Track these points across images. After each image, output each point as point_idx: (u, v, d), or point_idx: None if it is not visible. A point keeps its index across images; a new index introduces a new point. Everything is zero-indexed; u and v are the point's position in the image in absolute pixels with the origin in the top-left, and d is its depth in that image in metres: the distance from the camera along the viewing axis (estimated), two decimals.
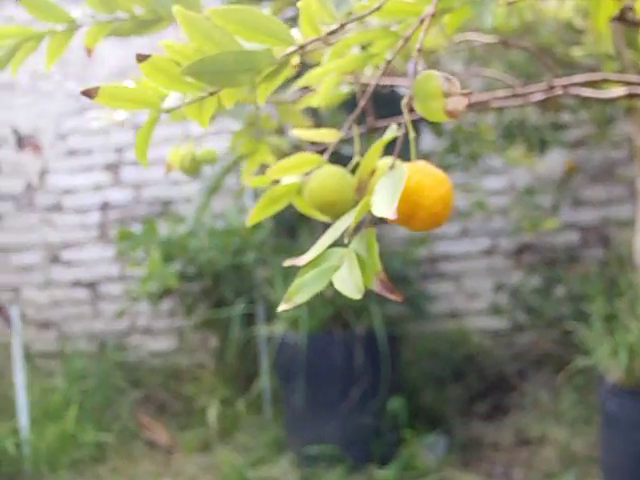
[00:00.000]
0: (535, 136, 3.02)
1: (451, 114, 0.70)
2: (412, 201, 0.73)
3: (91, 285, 4.27)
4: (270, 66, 0.69)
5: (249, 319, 3.51)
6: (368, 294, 2.22)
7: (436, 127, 3.05)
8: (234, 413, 3.50)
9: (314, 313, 3.06)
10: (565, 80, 1.15)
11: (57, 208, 4.30)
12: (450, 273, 3.94)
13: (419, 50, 0.72)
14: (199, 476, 3.10)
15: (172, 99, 0.69)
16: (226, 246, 3.57)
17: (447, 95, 0.70)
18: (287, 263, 0.74)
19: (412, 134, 0.76)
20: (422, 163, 0.77)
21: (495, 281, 3.82)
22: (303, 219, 3.38)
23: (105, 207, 4.27)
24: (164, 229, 3.75)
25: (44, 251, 4.31)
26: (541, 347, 3.64)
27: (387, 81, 1.31)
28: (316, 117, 2.91)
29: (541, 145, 3.04)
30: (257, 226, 3.61)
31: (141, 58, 0.62)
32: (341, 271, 0.69)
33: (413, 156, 0.77)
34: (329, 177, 0.88)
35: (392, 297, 0.68)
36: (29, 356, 3.73)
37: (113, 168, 4.26)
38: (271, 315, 3.39)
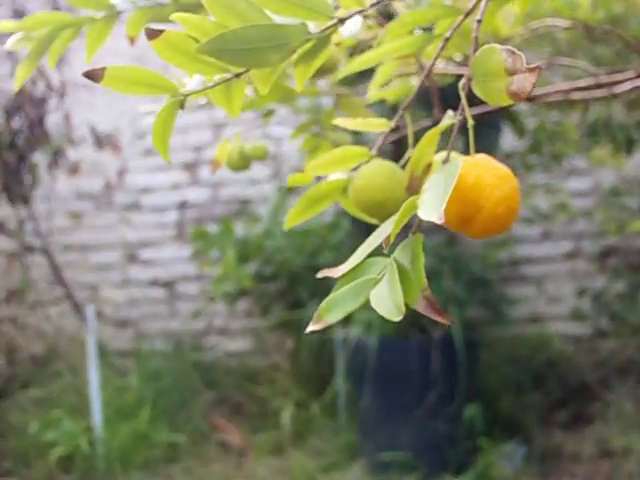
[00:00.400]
0: (622, 135, 2.89)
1: (516, 95, 0.59)
2: (470, 202, 0.64)
3: (168, 284, 4.27)
4: (305, 43, 0.60)
5: None
6: (447, 297, 2.12)
7: (517, 126, 2.95)
8: (308, 416, 3.45)
9: None
10: None
11: (135, 207, 4.31)
12: (531, 276, 3.82)
13: (479, 22, 0.63)
14: None
15: (193, 83, 0.62)
16: (303, 247, 3.53)
17: (511, 73, 0.59)
18: (321, 275, 0.66)
19: (470, 122, 0.66)
20: (483, 156, 0.67)
21: (578, 285, 3.68)
22: None
23: (183, 206, 4.27)
24: (241, 229, 3.72)
25: (122, 250, 4.32)
26: (625, 355, 3.50)
27: (464, 71, 1.21)
28: (394, 113, 2.85)
29: (628, 144, 2.91)
30: (334, 227, 3.57)
31: (152, 34, 0.54)
32: (379, 287, 0.60)
33: (472, 148, 0.67)
34: (377, 174, 0.77)
35: (439, 319, 0.59)
36: (105, 354, 3.74)
37: (191, 167, 4.26)
38: (347, 317, 3.32)
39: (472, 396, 2.98)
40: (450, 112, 0.69)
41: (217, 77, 0.61)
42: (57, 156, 3.55)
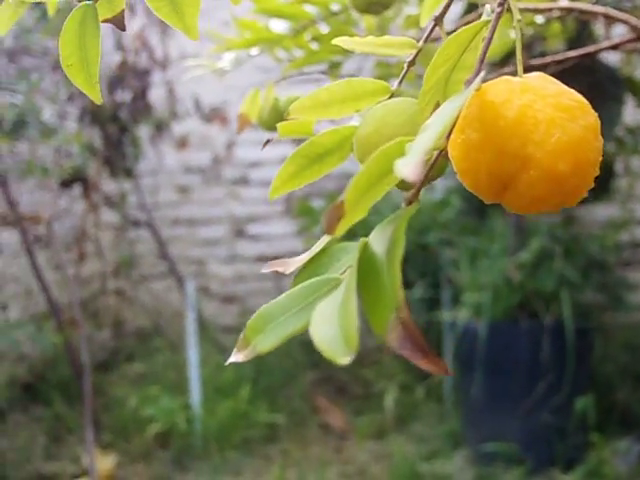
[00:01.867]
0: None
1: None
2: (510, 151, 0.41)
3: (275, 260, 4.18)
4: None
5: (434, 302, 3.32)
6: (559, 280, 1.89)
7: None
8: (412, 400, 3.32)
9: (500, 299, 2.83)
10: None
11: (243, 181, 4.24)
12: None
13: None
14: (369, 465, 2.94)
15: None
16: (410, 224, 3.38)
17: None
18: (267, 268, 0.46)
19: (517, 16, 0.45)
20: (538, 76, 0.44)
21: None
22: None
23: None
24: None
25: (229, 225, 4.27)
26: None
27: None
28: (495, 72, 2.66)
29: None
30: (444, 204, 3.42)
31: None
32: (329, 299, 0.38)
33: (519, 63, 0.45)
34: (391, 117, 0.52)
35: (422, 365, 0.38)
36: (208, 330, 3.69)
37: (300, 140, 4.15)
38: (456, 298, 3.17)
39: (585, 387, 2.80)
40: (487, 7, 0.46)
41: None
42: (161, 129, 3.50)
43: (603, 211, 3.42)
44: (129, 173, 3.48)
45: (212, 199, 4.28)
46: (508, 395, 2.81)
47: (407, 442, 3.05)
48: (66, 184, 3.38)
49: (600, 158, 0.43)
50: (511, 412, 2.78)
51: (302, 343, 3.79)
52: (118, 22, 0.52)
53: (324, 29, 1.09)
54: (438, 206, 3.45)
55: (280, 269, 0.46)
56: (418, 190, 0.43)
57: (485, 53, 0.44)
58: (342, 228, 0.40)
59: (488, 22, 0.46)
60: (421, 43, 0.55)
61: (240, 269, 4.25)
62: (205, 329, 3.60)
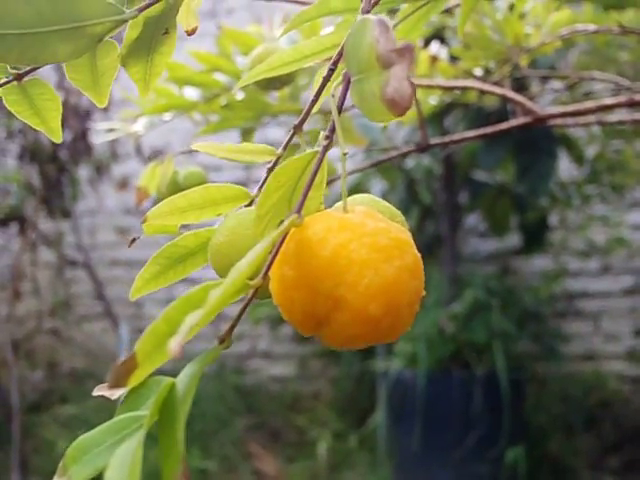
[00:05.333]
0: None
1: (394, 105, 0.36)
2: (323, 291, 0.41)
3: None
4: (115, 26, 0.41)
5: (368, 351, 3.32)
6: (493, 332, 1.92)
7: (575, 153, 2.78)
8: (345, 448, 3.31)
9: (433, 350, 2.84)
10: None
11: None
12: (588, 312, 3.63)
13: None
14: None
15: None
16: None
17: (386, 64, 0.36)
18: (96, 392, 0.44)
19: (344, 150, 0.43)
20: (361, 211, 0.44)
21: (637, 323, 3.50)
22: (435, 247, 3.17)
23: None
24: None
25: None
26: None
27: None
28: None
29: None
30: None
31: None
32: (126, 445, 0.36)
33: (344, 191, 0.44)
34: (244, 228, 0.52)
35: None
36: None
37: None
38: (390, 348, 3.18)
39: (517, 437, 2.81)
40: (322, 134, 0.44)
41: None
42: (100, 170, 3.48)
43: (538, 263, 3.48)
44: (66, 213, 3.46)
45: (151, 241, 4.22)
46: (440, 445, 2.81)
47: None
48: (3, 222, 3.34)
49: (421, 295, 0.43)
50: (443, 462, 2.78)
51: (236, 388, 3.77)
52: None
53: (240, 95, 1.10)
54: None
55: (107, 394, 0.43)
56: (232, 329, 0.44)
57: (309, 187, 0.43)
58: (135, 380, 0.39)
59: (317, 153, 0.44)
60: (280, 151, 0.55)
61: None
62: None
